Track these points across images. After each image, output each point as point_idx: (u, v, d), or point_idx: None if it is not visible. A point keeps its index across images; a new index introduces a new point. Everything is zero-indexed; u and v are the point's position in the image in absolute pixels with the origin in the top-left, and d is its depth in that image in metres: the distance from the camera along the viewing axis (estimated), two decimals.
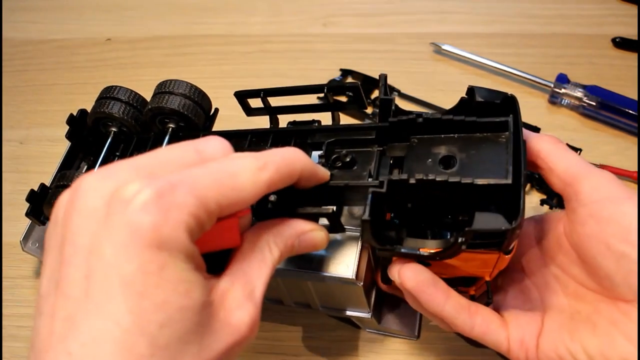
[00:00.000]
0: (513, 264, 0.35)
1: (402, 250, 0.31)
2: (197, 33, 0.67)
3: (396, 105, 0.34)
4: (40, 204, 0.41)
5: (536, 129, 0.52)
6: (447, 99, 0.56)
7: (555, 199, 0.46)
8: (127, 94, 0.43)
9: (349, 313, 0.39)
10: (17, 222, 0.50)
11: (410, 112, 0.33)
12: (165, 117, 0.42)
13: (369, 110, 0.56)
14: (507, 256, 0.30)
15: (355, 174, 0.33)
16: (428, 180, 0.29)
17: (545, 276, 0.34)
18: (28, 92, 0.63)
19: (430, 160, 0.31)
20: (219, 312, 0.24)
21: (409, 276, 0.31)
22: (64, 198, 0.25)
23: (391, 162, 0.33)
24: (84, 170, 0.44)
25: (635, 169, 0.49)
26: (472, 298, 0.36)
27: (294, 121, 0.38)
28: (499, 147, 0.30)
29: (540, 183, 0.48)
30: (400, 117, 0.33)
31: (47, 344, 0.22)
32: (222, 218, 0.25)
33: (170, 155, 0.25)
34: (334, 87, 0.36)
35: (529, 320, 0.33)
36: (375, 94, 0.58)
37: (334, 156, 0.34)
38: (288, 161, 0.27)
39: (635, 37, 0.58)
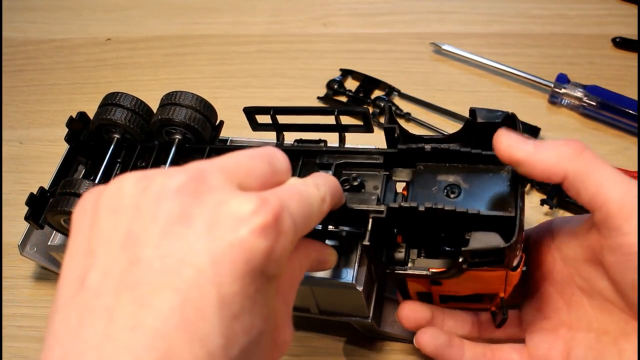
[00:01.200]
0: (535, 274, 0.35)
1: (408, 271, 0.32)
2: (197, 33, 0.67)
3: (401, 129, 0.35)
4: (40, 207, 0.41)
5: (536, 129, 0.52)
6: (447, 99, 0.56)
7: (555, 199, 0.46)
8: (131, 100, 0.43)
9: (349, 319, 0.39)
10: (17, 222, 0.50)
11: (415, 136, 0.35)
12: (172, 128, 0.42)
13: (369, 110, 0.55)
14: (515, 272, 0.31)
15: (363, 197, 0.33)
16: (436, 208, 0.31)
17: (570, 286, 0.33)
18: (28, 92, 0.63)
19: (435, 187, 0.33)
20: (272, 333, 0.24)
21: (426, 341, 0.35)
22: (122, 189, 0.23)
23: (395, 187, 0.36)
24: (82, 174, 0.44)
25: (635, 169, 0.49)
26: (493, 314, 0.36)
27: (300, 139, 0.38)
28: (501, 178, 0.33)
29: (541, 183, 0.48)
30: (409, 145, 0.34)
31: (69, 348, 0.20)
32: None
33: (251, 165, 0.25)
34: (343, 110, 0.37)
35: (553, 340, 0.33)
36: (376, 93, 0.58)
37: (343, 178, 0.35)
38: (338, 192, 0.29)
39: (635, 37, 0.58)
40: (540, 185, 0.48)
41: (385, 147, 0.36)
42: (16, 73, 0.65)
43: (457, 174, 0.33)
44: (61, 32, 0.69)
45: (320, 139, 0.38)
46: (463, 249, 0.28)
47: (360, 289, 0.35)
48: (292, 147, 0.38)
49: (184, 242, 0.21)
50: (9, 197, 0.53)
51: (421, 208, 0.31)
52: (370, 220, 0.30)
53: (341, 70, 0.60)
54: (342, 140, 0.38)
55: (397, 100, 0.57)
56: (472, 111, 0.33)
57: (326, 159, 0.36)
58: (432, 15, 0.64)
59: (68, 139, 0.43)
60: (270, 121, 0.38)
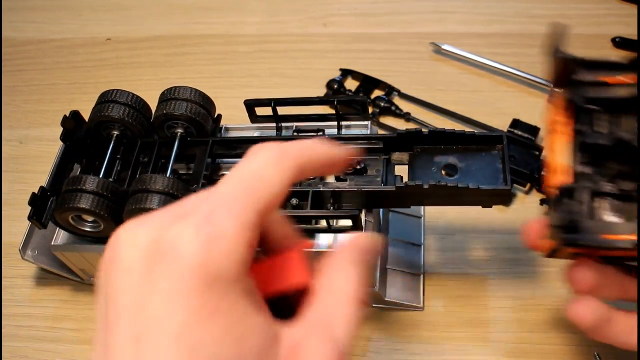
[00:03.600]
0: None
1: (590, 242, 0.27)
2: (197, 33, 0.66)
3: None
4: (42, 207, 0.41)
5: (536, 129, 0.52)
6: (447, 99, 0.56)
7: None
8: (127, 96, 0.43)
9: None
10: (17, 222, 0.50)
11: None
12: (174, 123, 0.42)
13: (369, 110, 0.56)
14: None
15: (369, 180, 0.37)
16: (441, 185, 0.34)
17: None
18: (28, 92, 0.63)
19: (434, 168, 0.37)
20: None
21: (582, 314, 0.30)
22: (105, 256, 0.22)
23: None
24: (78, 173, 0.44)
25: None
26: None
27: (299, 130, 0.40)
28: (493, 157, 0.36)
29: (540, 183, 0.48)
30: (408, 129, 0.38)
31: None
32: (277, 251, 0.24)
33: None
34: (342, 100, 0.41)
35: None
36: (376, 93, 0.58)
37: None
38: (308, 146, 0.25)
39: (635, 37, 0.58)
40: (540, 185, 0.48)
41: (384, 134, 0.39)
42: (16, 73, 0.65)
43: (453, 155, 0.37)
44: (61, 32, 0.69)
45: (318, 128, 0.40)
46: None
47: None
48: (291, 138, 0.39)
49: (133, 293, 0.20)
50: (9, 197, 0.53)
51: (426, 186, 0.34)
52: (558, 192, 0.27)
53: (341, 70, 0.60)
54: (340, 129, 0.40)
55: (397, 100, 0.57)
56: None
57: None
58: (432, 15, 0.64)
59: (63, 138, 0.43)
60: (270, 113, 0.39)
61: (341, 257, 0.24)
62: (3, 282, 0.49)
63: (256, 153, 0.23)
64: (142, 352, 0.19)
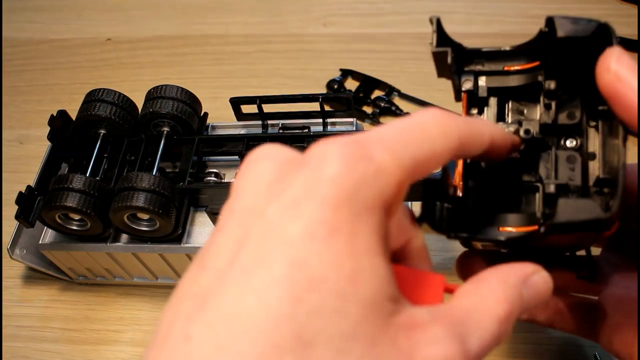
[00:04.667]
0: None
1: (476, 236, 0.26)
2: (197, 33, 0.66)
3: (457, 49, 0.31)
4: (29, 206, 0.41)
5: None
6: (447, 99, 0.56)
7: None
8: (114, 95, 0.43)
9: None
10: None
11: (473, 51, 0.31)
12: (160, 121, 0.42)
13: (369, 110, 0.56)
14: (609, 232, 0.26)
15: None
16: (426, 179, 0.30)
17: None
18: (28, 92, 0.63)
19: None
20: (397, 337, 0.17)
21: None
22: (240, 170, 0.20)
23: None
24: (65, 171, 0.44)
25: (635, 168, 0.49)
26: (576, 265, 0.31)
27: (285, 126, 0.40)
28: None
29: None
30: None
31: (167, 327, 0.17)
32: (426, 277, 0.22)
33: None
34: (327, 97, 0.40)
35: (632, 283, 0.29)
36: (376, 93, 0.58)
37: None
38: (473, 122, 0.23)
39: (635, 37, 0.58)
40: None
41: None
42: (16, 73, 0.65)
43: None
44: (61, 32, 0.69)
45: (303, 125, 0.40)
46: (548, 222, 0.24)
47: None
48: (278, 134, 0.39)
49: (255, 196, 0.19)
50: (9, 197, 0.53)
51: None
52: (422, 186, 0.26)
53: (341, 70, 0.60)
54: (325, 126, 0.40)
55: (397, 100, 0.57)
56: (550, 20, 0.26)
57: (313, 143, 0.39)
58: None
59: (51, 137, 0.43)
60: (255, 111, 0.39)
61: (498, 273, 0.21)
62: (3, 282, 0.49)
63: (419, 112, 0.21)
64: (240, 255, 0.17)
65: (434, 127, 0.20)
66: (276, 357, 0.16)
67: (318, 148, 0.19)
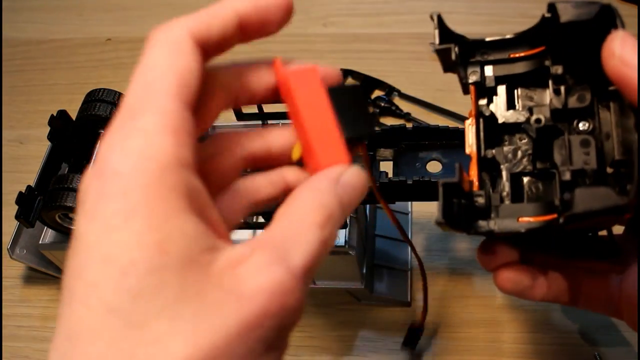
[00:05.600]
0: None
1: (495, 229, 0.26)
2: None
3: (461, 43, 0.30)
4: (29, 206, 0.41)
5: None
6: (447, 99, 0.56)
7: None
8: (114, 95, 0.44)
9: (342, 285, 0.42)
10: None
11: (475, 42, 0.30)
12: None
13: (369, 110, 0.56)
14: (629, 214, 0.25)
15: None
16: (424, 180, 0.33)
17: None
18: (28, 92, 0.63)
19: (418, 163, 0.36)
20: (223, 280, 0.18)
21: (506, 283, 0.30)
22: None
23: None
24: (66, 171, 0.44)
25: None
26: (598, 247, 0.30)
27: (285, 125, 0.40)
28: None
29: None
30: (392, 125, 0.37)
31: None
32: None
33: None
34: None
35: None
36: (376, 93, 0.58)
37: None
38: (211, 7, 0.23)
39: (635, 37, 0.58)
40: None
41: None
42: (16, 73, 0.65)
43: (437, 151, 0.36)
44: (61, 32, 0.69)
45: None
46: (567, 213, 0.23)
47: (353, 253, 0.38)
48: None
49: None
50: (9, 197, 0.53)
51: (409, 181, 0.34)
52: (441, 189, 0.25)
53: (341, 70, 0.59)
54: None
55: (397, 101, 0.57)
56: (552, 6, 0.26)
57: None
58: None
59: (51, 137, 0.43)
60: (255, 110, 0.40)
61: (308, 184, 0.21)
62: (3, 282, 0.49)
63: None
64: (69, 271, 0.18)
65: (156, 53, 0.21)
66: (115, 350, 0.16)
67: (102, 140, 0.19)
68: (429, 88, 0.58)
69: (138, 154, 0.18)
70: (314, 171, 0.22)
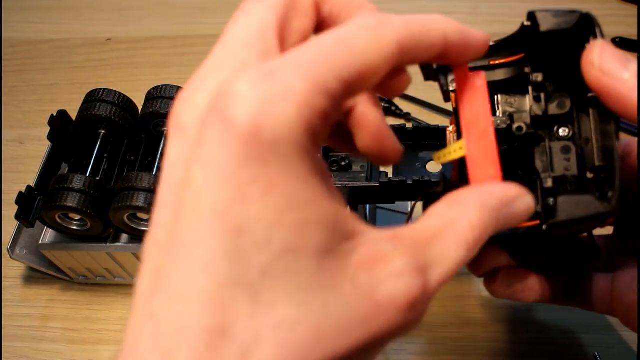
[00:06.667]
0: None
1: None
2: (197, 33, 0.66)
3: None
4: (29, 206, 0.41)
5: None
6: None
7: None
8: (114, 95, 0.44)
9: None
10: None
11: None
12: (160, 121, 0.42)
13: None
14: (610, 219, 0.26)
15: (352, 176, 0.36)
16: (423, 180, 0.34)
17: None
18: (28, 92, 0.63)
19: (418, 163, 0.36)
20: (358, 275, 0.17)
21: (497, 288, 0.31)
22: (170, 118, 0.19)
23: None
24: (65, 171, 0.44)
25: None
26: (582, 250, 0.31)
27: None
28: None
29: None
30: (392, 125, 0.36)
31: (134, 306, 0.17)
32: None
33: None
34: None
35: None
36: None
37: (331, 159, 0.38)
38: (420, 18, 0.20)
39: (635, 37, 0.58)
40: None
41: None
42: (16, 73, 0.65)
43: (437, 151, 0.35)
44: (61, 32, 0.69)
45: None
46: (550, 222, 0.24)
47: None
48: None
49: (183, 161, 0.18)
50: (9, 197, 0.53)
51: (409, 181, 0.34)
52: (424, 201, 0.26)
53: None
54: None
55: (397, 101, 0.57)
56: (532, 15, 0.25)
57: None
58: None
59: (51, 137, 0.43)
60: None
61: (478, 194, 0.20)
62: (3, 282, 0.49)
63: (351, 20, 0.19)
64: (178, 228, 0.17)
65: (363, 38, 0.18)
66: (238, 323, 0.16)
67: (228, 86, 0.17)
68: (429, 88, 0.57)
69: (287, 121, 0.16)
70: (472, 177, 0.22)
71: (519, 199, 0.21)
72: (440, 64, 0.27)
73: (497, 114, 0.28)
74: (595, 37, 0.24)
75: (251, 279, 0.16)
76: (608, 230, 0.31)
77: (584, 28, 0.24)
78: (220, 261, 0.16)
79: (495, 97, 0.28)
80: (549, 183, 0.25)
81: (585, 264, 0.31)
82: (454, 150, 0.23)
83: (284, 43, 0.19)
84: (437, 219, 0.19)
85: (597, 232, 0.30)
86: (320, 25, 0.21)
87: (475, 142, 0.23)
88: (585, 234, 0.30)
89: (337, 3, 0.21)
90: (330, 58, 0.17)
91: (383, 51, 0.18)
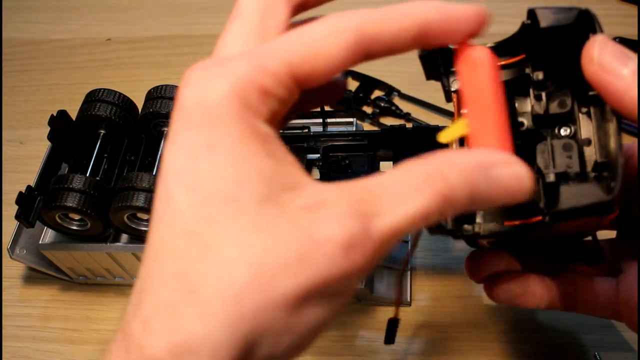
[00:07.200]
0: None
1: (480, 231, 0.26)
2: (197, 33, 0.66)
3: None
4: (29, 206, 0.41)
5: None
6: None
7: None
8: (114, 95, 0.44)
9: None
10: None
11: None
12: (160, 121, 0.42)
13: (369, 110, 0.56)
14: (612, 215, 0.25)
15: (351, 177, 0.36)
16: None
17: None
18: (28, 92, 0.63)
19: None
20: (299, 217, 0.18)
21: (498, 294, 0.31)
22: None
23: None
24: (65, 171, 0.44)
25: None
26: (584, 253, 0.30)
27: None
28: None
29: None
30: (392, 125, 0.37)
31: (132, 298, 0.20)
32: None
33: None
34: None
35: None
36: (376, 93, 0.58)
37: (331, 160, 0.38)
38: (390, 7, 0.20)
39: (635, 37, 0.58)
40: None
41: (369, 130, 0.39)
42: (16, 73, 0.65)
43: (437, 150, 0.35)
44: (61, 32, 0.69)
45: (303, 125, 0.41)
46: (552, 210, 0.23)
47: None
48: (280, 134, 0.41)
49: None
50: (9, 197, 0.53)
51: None
52: None
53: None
54: (325, 125, 0.40)
55: (397, 101, 0.57)
56: (532, 12, 0.26)
57: (313, 143, 0.38)
58: None
59: (51, 137, 0.43)
60: None
61: (454, 152, 0.20)
62: (3, 282, 0.49)
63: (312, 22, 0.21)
64: (158, 194, 0.20)
65: (317, 27, 0.20)
66: (190, 268, 0.18)
67: (188, 74, 0.20)
68: (429, 88, 0.57)
69: (222, 92, 0.19)
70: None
71: (504, 165, 0.19)
72: (441, 47, 0.26)
73: None
74: (595, 33, 0.24)
75: (201, 228, 0.18)
76: (612, 234, 0.31)
77: (583, 24, 0.24)
78: (178, 216, 0.19)
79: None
80: (551, 177, 0.25)
81: (590, 266, 0.30)
82: (457, 129, 0.23)
83: (264, 41, 0.22)
84: (399, 172, 0.19)
85: (601, 235, 0.30)
86: (302, 8, 0.24)
87: (476, 116, 0.22)
88: (590, 238, 0.30)
89: None
90: (280, 44, 0.20)
91: (337, 39, 0.20)
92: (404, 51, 0.21)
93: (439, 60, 0.28)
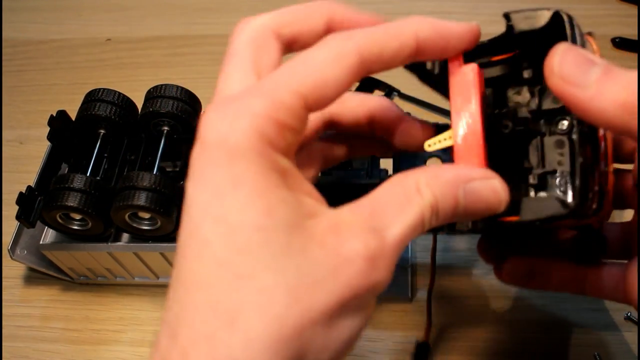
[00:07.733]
0: None
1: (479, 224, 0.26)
2: (197, 33, 0.66)
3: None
4: (29, 206, 0.41)
5: None
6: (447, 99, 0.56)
7: None
8: (114, 95, 0.44)
9: None
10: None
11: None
12: (160, 120, 0.42)
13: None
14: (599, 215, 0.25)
15: (353, 173, 0.35)
16: None
17: None
18: (28, 92, 0.63)
19: (418, 161, 0.36)
20: (325, 239, 0.20)
21: (506, 275, 0.32)
22: None
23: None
24: (66, 171, 0.44)
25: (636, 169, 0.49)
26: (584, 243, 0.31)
27: None
28: None
29: None
30: None
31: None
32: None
33: None
34: None
35: None
36: (376, 93, 0.58)
37: None
38: (385, 25, 0.23)
39: (635, 37, 0.58)
40: None
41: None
42: (16, 73, 0.65)
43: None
44: (61, 32, 0.69)
45: None
46: (515, 220, 0.24)
47: None
48: None
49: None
50: (9, 197, 0.53)
51: None
52: None
53: None
54: None
55: (397, 100, 0.57)
56: (507, 17, 0.26)
57: None
58: (432, 15, 0.64)
59: (50, 137, 0.43)
60: None
61: (436, 168, 0.22)
62: (3, 282, 0.49)
63: (318, 42, 0.22)
64: (184, 229, 0.20)
65: (321, 53, 0.21)
66: (225, 297, 0.19)
67: (206, 117, 0.21)
68: (428, 88, 0.58)
69: (243, 131, 0.20)
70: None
71: (481, 180, 0.22)
72: (439, 60, 0.27)
73: (504, 109, 0.28)
74: (565, 38, 0.23)
75: (232, 258, 0.19)
76: (628, 216, 0.31)
77: (558, 25, 0.24)
78: (207, 247, 0.19)
79: (506, 92, 0.28)
80: (532, 180, 0.25)
81: (593, 256, 0.30)
82: (444, 139, 0.24)
83: (260, 76, 0.23)
84: (392, 187, 0.21)
85: (616, 218, 0.29)
86: (291, 46, 0.24)
87: (462, 132, 0.24)
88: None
89: (295, 26, 0.24)
90: (288, 76, 0.21)
91: (342, 63, 0.21)
92: (400, 65, 0.24)
93: (430, 64, 0.28)
